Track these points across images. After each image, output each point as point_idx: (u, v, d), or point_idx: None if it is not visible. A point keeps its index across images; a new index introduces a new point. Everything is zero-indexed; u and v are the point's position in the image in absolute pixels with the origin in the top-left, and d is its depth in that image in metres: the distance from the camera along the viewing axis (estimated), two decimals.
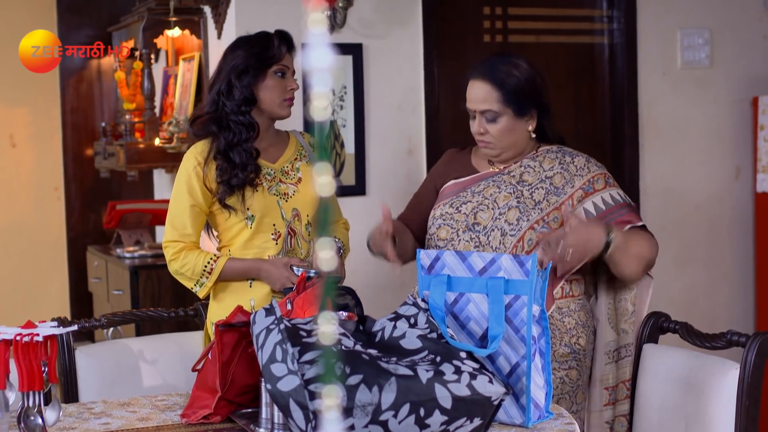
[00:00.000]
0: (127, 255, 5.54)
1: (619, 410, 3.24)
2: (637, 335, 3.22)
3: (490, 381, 2.42)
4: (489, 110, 3.17)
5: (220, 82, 3.38)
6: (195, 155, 3.35)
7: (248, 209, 3.32)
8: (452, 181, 3.33)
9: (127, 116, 5.78)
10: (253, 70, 3.35)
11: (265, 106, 3.38)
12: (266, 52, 3.36)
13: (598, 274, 3.26)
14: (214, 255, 3.34)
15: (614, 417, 3.25)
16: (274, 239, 3.36)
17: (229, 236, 3.37)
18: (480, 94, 3.18)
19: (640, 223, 3.21)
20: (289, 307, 2.71)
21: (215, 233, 3.44)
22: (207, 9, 5.04)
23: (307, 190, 3.41)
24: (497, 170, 3.28)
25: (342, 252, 3.51)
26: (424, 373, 2.38)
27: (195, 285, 3.33)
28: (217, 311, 3.31)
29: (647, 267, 3.19)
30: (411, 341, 2.50)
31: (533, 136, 3.25)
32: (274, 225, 3.36)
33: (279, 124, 3.51)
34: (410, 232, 3.36)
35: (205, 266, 3.30)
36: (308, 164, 3.46)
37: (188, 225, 3.33)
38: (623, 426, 3.23)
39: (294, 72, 3.43)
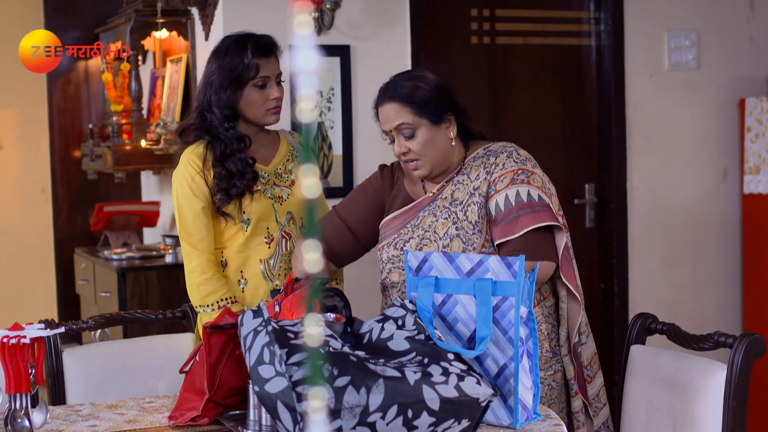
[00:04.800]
0: (115, 257, 5.53)
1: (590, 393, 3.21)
2: (626, 336, 3.22)
3: (478, 382, 2.42)
4: (403, 124, 3.08)
5: (203, 95, 3.33)
6: (193, 159, 3.32)
7: (244, 213, 3.31)
8: (391, 215, 3.22)
9: (115, 118, 5.77)
10: (230, 87, 3.28)
11: (249, 117, 3.34)
12: (238, 69, 3.27)
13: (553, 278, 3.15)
14: (232, 297, 3.30)
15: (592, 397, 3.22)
16: (266, 243, 3.35)
17: (223, 239, 3.35)
18: (390, 113, 3.10)
19: (532, 227, 2.99)
20: (276, 309, 2.71)
21: None
22: (194, 11, 5.03)
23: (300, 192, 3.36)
24: (432, 195, 3.18)
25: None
26: (412, 375, 2.38)
27: (198, 307, 3.32)
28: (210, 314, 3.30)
29: None
30: (399, 343, 2.51)
31: (453, 143, 3.13)
32: (267, 228, 3.35)
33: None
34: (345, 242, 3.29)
35: (218, 301, 3.28)
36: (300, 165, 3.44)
37: (203, 229, 3.30)
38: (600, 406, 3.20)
39: (278, 76, 3.35)
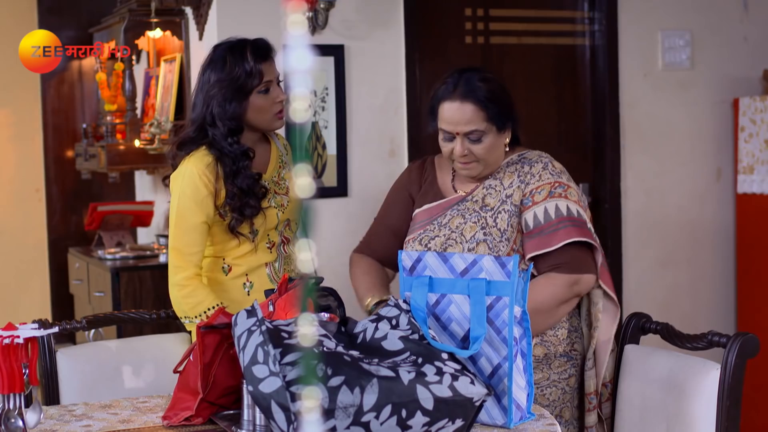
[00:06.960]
0: (109, 257, 5.53)
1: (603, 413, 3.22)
2: (619, 337, 3.22)
3: (472, 382, 2.42)
4: (475, 130, 3.04)
5: (203, 110, 3.21)
6: (203, 170, 3.19)
7: (254, 225, 3.26)
8: (423, 207, 3.21)
9: (109, 117, 5.77)
10: (235, 99, 3.18)
11: (256, 124, 3.25)
12: (242, 78, 3.17)
13: None
14: (219, 303, 3.19)
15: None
16: (268, 248, 3.33)
17: (226, 248, 3.29)
18: (466, 115, 3.04)
19: (568, 240, 3.01)
20: (270, 308, 2.71)
21: None
22: (188, 10, 5.03)
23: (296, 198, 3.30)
24: (463, 195, 3.16)
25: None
26: (406, 375, 2.38)
27: (185, 318, 3.24)
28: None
29: (559, 305, 3.04)
30: (393, 342, 2.51)
31: (507, 149, 3.14)
32: (268, 235, 3.32)
33: None
34: (387, 265, 3.30)
35: (206, 310, 3.19)
36: (289, 172, 3.40)
37: (198, 242, 3.21)
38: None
39: (278, 77, 3.28)
